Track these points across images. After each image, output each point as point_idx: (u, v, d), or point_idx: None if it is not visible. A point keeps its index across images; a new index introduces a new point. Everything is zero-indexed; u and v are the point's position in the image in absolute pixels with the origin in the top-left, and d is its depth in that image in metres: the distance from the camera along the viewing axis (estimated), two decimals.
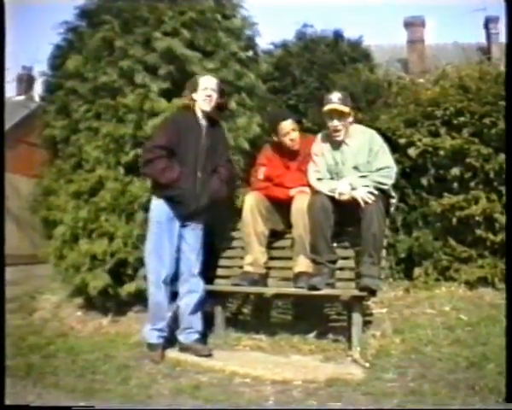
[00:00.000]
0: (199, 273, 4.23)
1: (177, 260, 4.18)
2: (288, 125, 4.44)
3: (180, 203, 4.11)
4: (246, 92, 5.37)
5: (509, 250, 3.80)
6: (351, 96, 4.48)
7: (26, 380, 3.73)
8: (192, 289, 4.19)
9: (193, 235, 4.22)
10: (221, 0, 5.54)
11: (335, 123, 4.23)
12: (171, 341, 4.25)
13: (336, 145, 4.32)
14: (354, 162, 4.25)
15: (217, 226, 4.61)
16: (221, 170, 4.28)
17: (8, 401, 3.09)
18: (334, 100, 4.23)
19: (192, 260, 4.20)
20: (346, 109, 4.23)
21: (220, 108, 4.38)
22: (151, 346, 4.17)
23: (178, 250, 4.18)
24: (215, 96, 4.24)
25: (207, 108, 4.22)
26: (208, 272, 4.44)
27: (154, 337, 4.17)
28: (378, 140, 4.32)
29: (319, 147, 4.40)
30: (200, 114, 4.24)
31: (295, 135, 4.45)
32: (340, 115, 4.22)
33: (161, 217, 4.13)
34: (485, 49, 16.06)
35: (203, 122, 4.24)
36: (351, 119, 4.31)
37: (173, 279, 4.19)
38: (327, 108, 4.24)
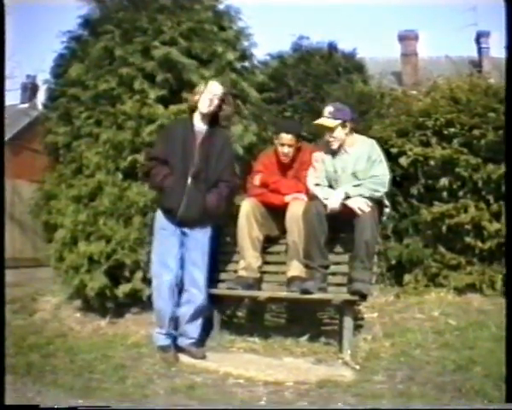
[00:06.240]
0: (202, 285, 4.17)
1: (182, 268, 4.16)
2: (286, 138, 4.47)
3: (168, 211, 4.11)
4: (240, 100, 5.42)
5: (508, 254, 3.88)
6: None
7: (26, 378, 3.78)
8: (190, 299, 4.15)
9: (195, 246, 4.14)
10: (219, 11, 5.64)
11: (326, 135, 4.31)
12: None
13: (337, 153, 4.35)
14: (353, 169, 4.27)
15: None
16: (222, 185, 4.15)
17: (8, 398, 3.13)
18: (325, 114, 4.29)
19: (193, 272, 4.15)
20: (332, 124, 4.24)
21: (224, 117, 4.30)
22: (162, 348, 4.19)
23: (182, 259, 4.15)
24: (216, 101, 4.17)
25: (205, 109, 4.13)
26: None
27: (162, 340, 4.20)
28: (377, 150, 4.36)
29: (320, 154, 4.44)
30: (198, 120, 4.19)
31: (288, 150, 4.47)
32: (328, 129, 4.27)
33: (163, 225, 4.14)
34: (477, 62, 16.27)
35: (201, 129, 4.18)
36: (346, 130, 4.29)
37: (180, 285, 4.17)
38: (314, 122, 4.36)
